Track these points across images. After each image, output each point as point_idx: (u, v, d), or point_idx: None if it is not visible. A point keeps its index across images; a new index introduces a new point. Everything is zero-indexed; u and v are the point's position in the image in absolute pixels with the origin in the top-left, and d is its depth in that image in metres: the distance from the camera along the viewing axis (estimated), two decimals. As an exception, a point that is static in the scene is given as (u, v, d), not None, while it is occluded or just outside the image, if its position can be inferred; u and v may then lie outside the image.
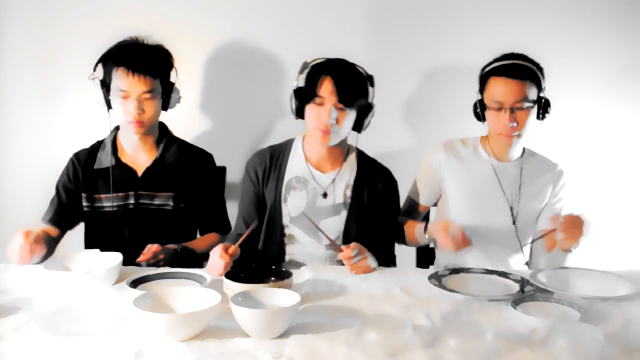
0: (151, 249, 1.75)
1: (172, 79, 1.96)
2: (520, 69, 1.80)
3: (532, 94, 1.81)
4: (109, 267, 1.54)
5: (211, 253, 1.62)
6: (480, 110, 1.88)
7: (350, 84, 1.76)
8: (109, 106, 1.89)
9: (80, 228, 2.01)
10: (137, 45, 1.90)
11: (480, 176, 1.94)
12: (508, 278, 1.60)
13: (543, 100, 1.83)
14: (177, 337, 1.19)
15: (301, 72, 1.81)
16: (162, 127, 2.03)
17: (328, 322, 1.29)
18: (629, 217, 2.38)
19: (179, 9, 2.32)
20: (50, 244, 1.80)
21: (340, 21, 2.33)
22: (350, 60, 1.81)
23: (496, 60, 1.86)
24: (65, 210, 1.95)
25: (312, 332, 1.24)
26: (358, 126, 1.84)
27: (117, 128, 2.01)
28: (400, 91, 2.33)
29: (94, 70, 1.89)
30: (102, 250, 1.68)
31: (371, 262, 1.69)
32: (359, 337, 1.19)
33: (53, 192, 1.97)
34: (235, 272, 1.46)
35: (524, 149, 1.97)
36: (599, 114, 2.35)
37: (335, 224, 1.86)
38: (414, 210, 2.06)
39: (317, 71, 1.77)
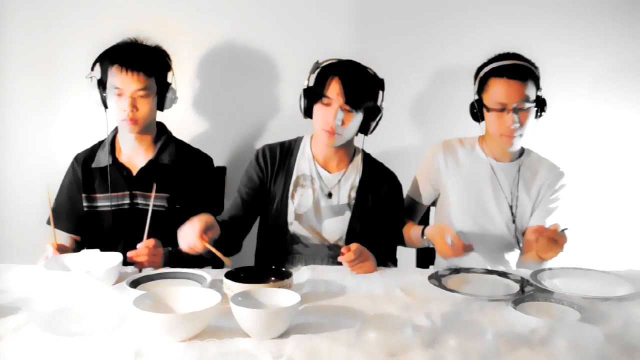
0: (149, 245, 1.66)
1: (169, 79, 1.95)
2: (520, 70, 1.80)
3: (532, 93, 1.81)
4: (109, 267, 1.54)
5: (189, 224, 1.55)
6: (478, 111, 1.88)
7: (358, 86, 1.75)
8: (106, 105, 1.89)
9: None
10: (133, 44, 1.90)
11: (479, 176, 1.94)
12: (508, 278, 1.60)
13: (540, 100, 1.83)
14: (177, 337, 1.19)
15: (312, 71, 1.81)
16: (161, 127, 2.02)
17: (328, 322, 1.29)
18: (629, 217, 2.37)
19: (179, 9, 2.32)
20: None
21: (339, 21, 2.33)
22: (348, 59, 1.81)
23: (492, 60, 1.86)
24: (75, 214, 1.95)
25: (312, 332, 1.24)
26: (365, 129, 1.83)
27: (117, 127, 2.00)
28: (402, 91, 2.33)
29: (92, 69, 1.89)
30: (101, 250, 1.67)
31: (372, 262, 1.68)
32: (359, 337, 1.19)
33: (53, 192, 1.95)
34: (235, 272, 1.46)
35: (522, 149, 1.97)
36: (594, 113, 2.34)
37: (338, 224, 1.86)
38: (413, 210, 2.06)
39: (327, 72, 1.77)
